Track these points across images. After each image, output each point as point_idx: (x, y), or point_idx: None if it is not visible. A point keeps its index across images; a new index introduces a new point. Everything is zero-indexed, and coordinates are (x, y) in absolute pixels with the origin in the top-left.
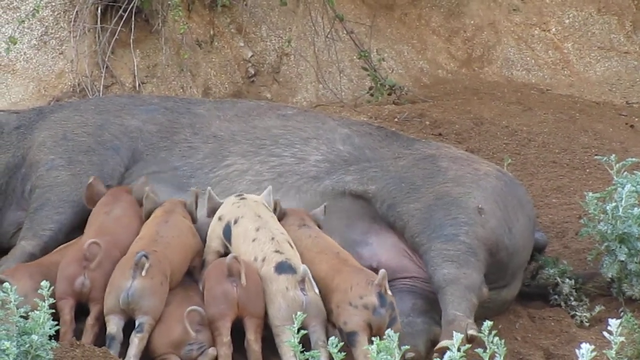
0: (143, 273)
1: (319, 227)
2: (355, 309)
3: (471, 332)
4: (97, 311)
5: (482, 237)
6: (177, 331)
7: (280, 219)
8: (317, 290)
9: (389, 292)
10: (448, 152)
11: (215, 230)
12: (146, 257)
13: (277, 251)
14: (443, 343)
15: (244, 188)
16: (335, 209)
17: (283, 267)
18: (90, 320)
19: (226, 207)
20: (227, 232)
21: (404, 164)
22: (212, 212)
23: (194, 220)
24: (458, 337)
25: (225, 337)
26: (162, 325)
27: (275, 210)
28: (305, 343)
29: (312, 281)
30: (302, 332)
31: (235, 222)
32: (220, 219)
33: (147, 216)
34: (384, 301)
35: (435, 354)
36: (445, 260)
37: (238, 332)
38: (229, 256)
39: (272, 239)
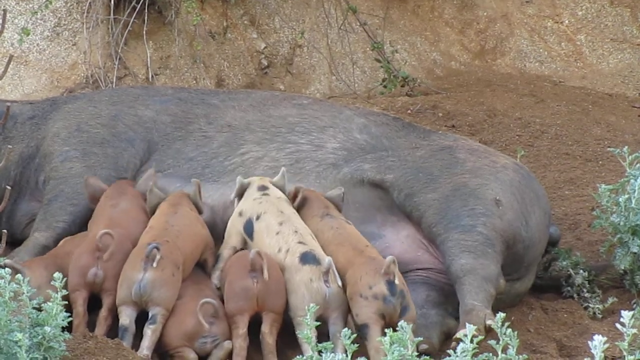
0: (154, 264)
1: (339, 209)
2: (365, 300)
3: (489, 322)
4: (110, 303)
5: (500, 229)
6: (190, 324)
7: (302, 206)
8: (340, 283)
9: (400, 279)
10: (465, 144)
11: (235, 226)
12: (157, 248)
13: (300, 242)
14: (461, 333)
15: (260, 174)
16: (352, 200)
17: (307, 258)
18: (103, 312)
19: (248, 203)
20: (248, 228)
21: (421, 154)
22: (239, 194)
23: (199, 210)
24: (471, 328)
25: (242, 329)
26: (174, 318)
27: (296, 197)
28: (327, 335)
29: (336, 273)
30: (316, 323)
31: (258, 217)
32: (240, 214)
33: (152, 211)
34: (394, 289)
35: (453, 343)
36: (462, 251)
37: (253, 325)
38: (253, 251)
39: (296, 231)
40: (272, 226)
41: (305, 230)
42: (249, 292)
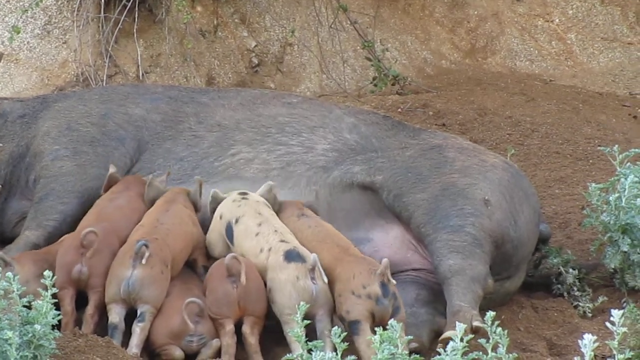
0: (143, 262)
1: (316, 213)
2: (358, 298)
3: (476, 323)
4: (96, 300)
5: (488, 229)
6: (176, 322)
7: (278, 212)
8: (325, 279)
9: (392, 282)
10: (455, 143)
11: (218, 230)
12: (146, 246)
13: (282, 240)
14: (447, 334)
15: (251, 176)
16: (341, 205)
17: (292, 255)
18: (89, 309)
19: (226, 205)
20: (229, 232)
21: (410, 154)
22: (214, 211)
23: (197, 208)
24: (461, 327)
25: (228, 327)
26: (161, 317)
27: (273, 202)
28: (313, 332)
29: (321, 270)
30: (306, 322)
31: (237, 221)
32: (221, 217)
33: (150, 204)
34: (387, 291)
35: (439, 345)
36: (451, 251)
37: (238, 325)
38: (228, 256)
39: (276, 231)
40: (250, 228)
41: (284, 229)
42: (230, 297)
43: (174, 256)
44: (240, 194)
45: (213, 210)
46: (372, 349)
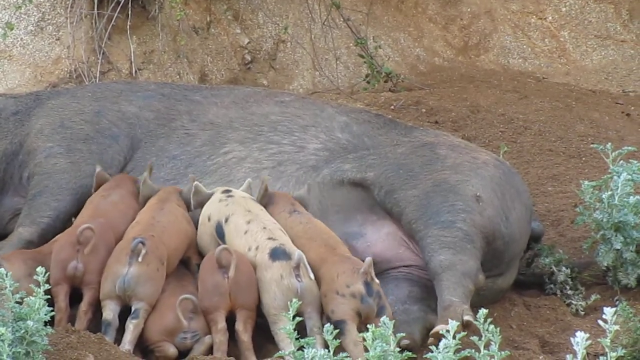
0: (139, 259)
1: (306, 208)
2: (342, 297)
3: (467, 317)
4: (90, 296)
5: (479, 225)
6: (170, 319)
7: (269, 204)
8: (312, 276)
9: (376, 280)
10: (446, 140)
11: (207, 232)
12: (143, 243)
13: (270, 238)
14: (438, 328)
15: (243, 175)
16: (333, 201)
17: (277, 254)
18: (83, 306)
19: (213, 206)
20: (219, 232)
21: (402, 151)
22: (199, 205)
23: (189, 208)
24: (454, 324)
25: (220, 324)
26: (155, 314)
27: (264, 194)
28: (301, 330)
29: (307, 266)
30: (298, 319)
31: (226, 220)
32: (209, 219)
33: (144, 202)
34: (371, 290)
35: (430, 339)
36: (441, 247)
37: (231, 321)
38: (219, 248)
39: (264, 228)
40: (240, 226)
41: (274, 225)
42: (221, 287)
43: (169, 254)
44: (224, 192)
45: (198, 204)
46: (359, 348)
